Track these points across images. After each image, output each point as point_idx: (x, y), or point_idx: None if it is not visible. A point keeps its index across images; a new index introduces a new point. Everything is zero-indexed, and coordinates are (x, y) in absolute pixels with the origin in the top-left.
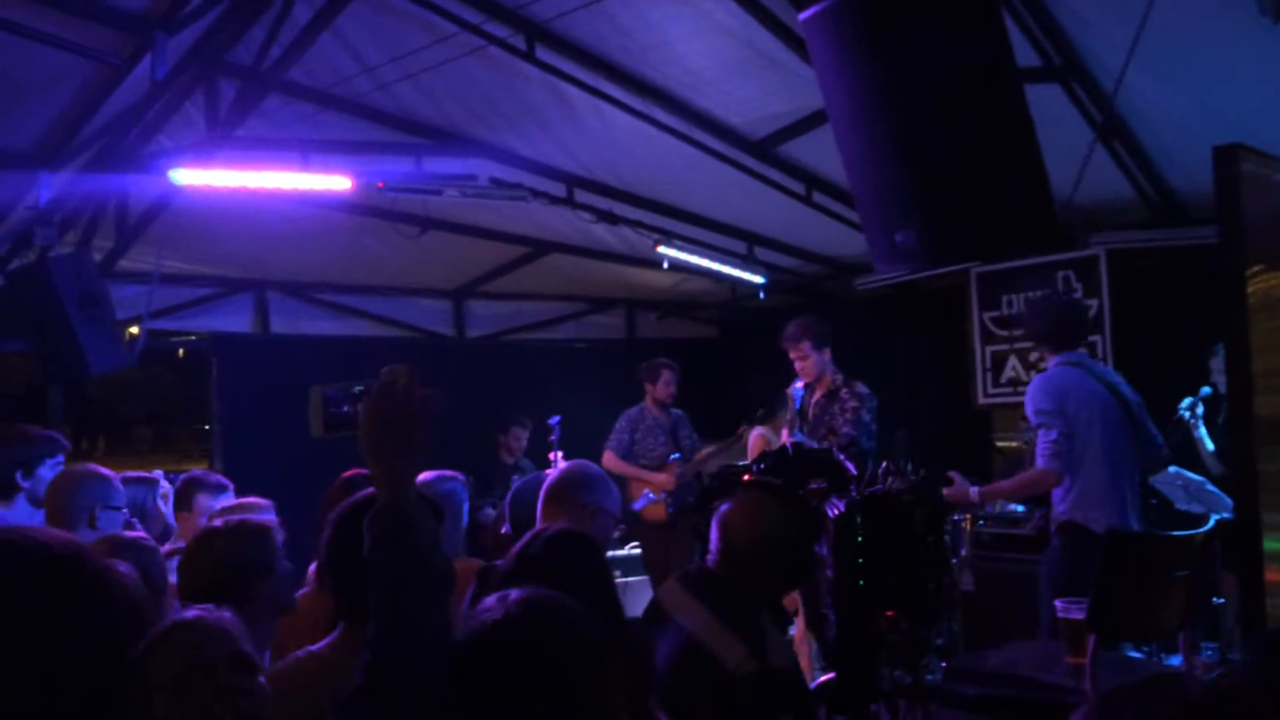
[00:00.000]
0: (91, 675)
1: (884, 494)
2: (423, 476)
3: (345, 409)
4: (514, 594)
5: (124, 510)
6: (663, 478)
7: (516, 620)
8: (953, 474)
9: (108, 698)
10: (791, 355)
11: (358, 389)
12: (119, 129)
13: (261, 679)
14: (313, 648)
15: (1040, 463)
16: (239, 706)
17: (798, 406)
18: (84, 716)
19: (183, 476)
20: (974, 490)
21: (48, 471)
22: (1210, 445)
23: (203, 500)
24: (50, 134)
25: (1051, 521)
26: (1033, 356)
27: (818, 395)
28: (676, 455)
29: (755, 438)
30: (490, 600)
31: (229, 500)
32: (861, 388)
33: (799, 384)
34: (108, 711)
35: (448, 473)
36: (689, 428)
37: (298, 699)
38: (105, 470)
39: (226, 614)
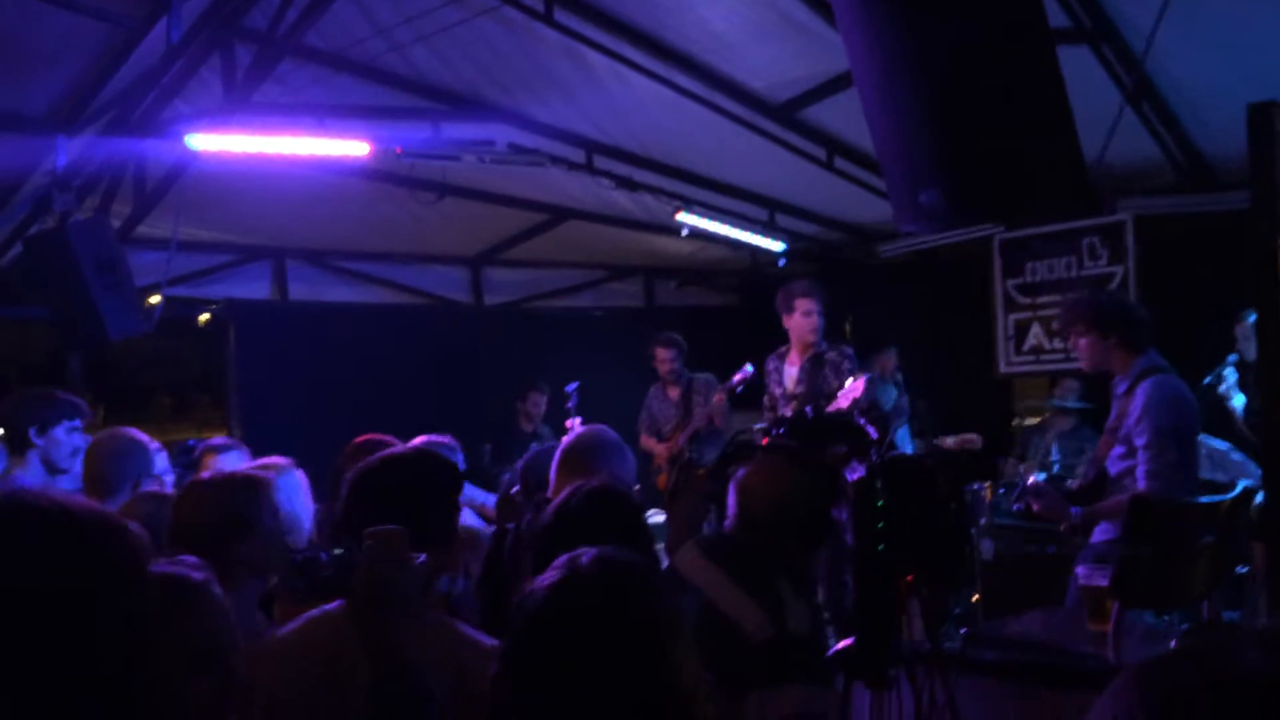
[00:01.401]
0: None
1: (905, 458)
2: (415, 442)
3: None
4: (587, 555)
5: (160, 479)
6: (661, 448)
7: (599, 582)
8: (1039, 483)
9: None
10: (804, 309)
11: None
12: (136, 93)
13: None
14: (328, 606)
15: (1144, 484)
16: (243, 707)
17: (773, 381)
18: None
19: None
20: (1076, 511)
21: (63, 434)
22: (1240, 406)
23: (212, 463)
24: (67, 98)
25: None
26: (1056, 324)
27: (799, 362)
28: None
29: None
30: (560, 563)
31: (240, 459)
32: (848, 348)
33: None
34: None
35: (437, 438)
36: (705, 391)
37: (311, 658)
38: (145, 436)
39: (204, 575)
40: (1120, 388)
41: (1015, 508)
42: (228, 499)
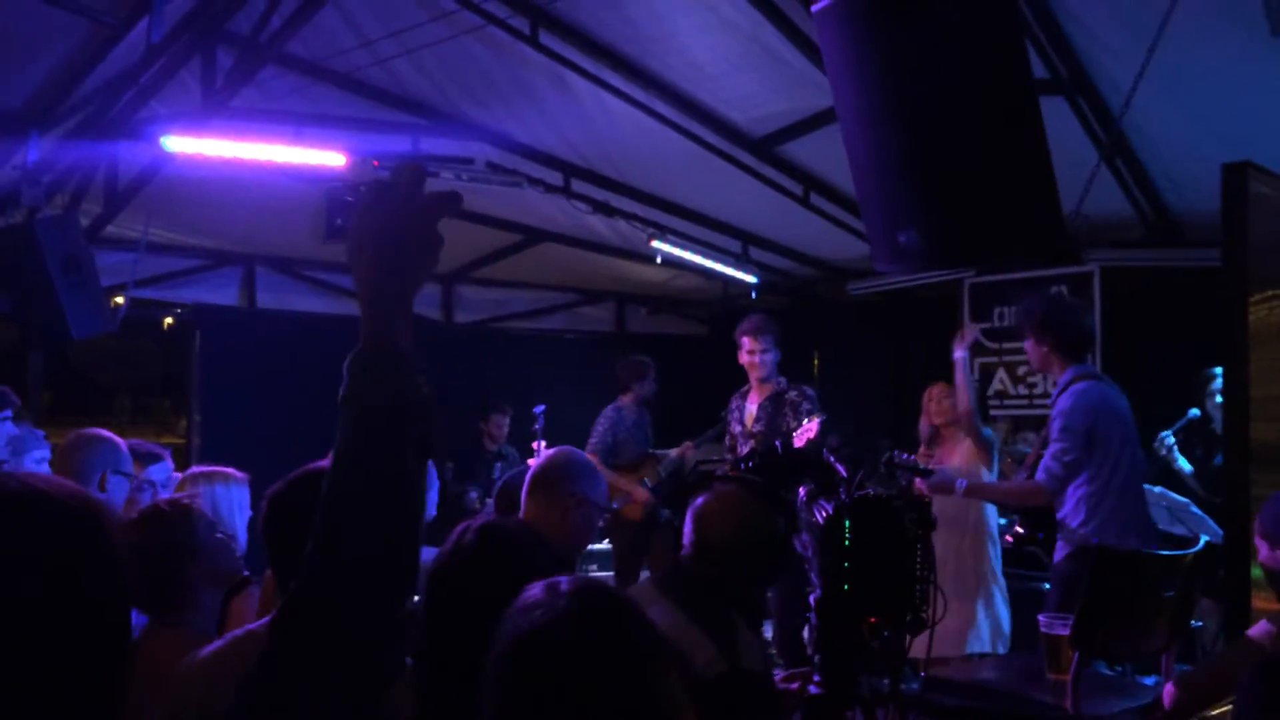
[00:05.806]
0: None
1: (873, 498)
2: None
3: (348, 210)
4: (565, 584)
5: (132, 477)
6: (636, 486)
7: (580, 617)
8: (937, 465)
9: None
10: (750, 347)
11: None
12: (112, 92)
13: None
14: (252, 626)
15: (1040, 475)
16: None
17: (734, 419)
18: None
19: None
20: (961, 484)
21: None
22: (1188, 468)
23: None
24: (42, 94)
25: (1065, 543)
26: (1021, 370)
27: (759, 400)
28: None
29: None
30: (536, 592)
31: (167, 469)
32: (810, 390)
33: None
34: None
35: None
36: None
37: (236, 677)
38: (114, 436)
39: None
40: (1054, 394)
41: (902, 482)
42: (170, 533)
